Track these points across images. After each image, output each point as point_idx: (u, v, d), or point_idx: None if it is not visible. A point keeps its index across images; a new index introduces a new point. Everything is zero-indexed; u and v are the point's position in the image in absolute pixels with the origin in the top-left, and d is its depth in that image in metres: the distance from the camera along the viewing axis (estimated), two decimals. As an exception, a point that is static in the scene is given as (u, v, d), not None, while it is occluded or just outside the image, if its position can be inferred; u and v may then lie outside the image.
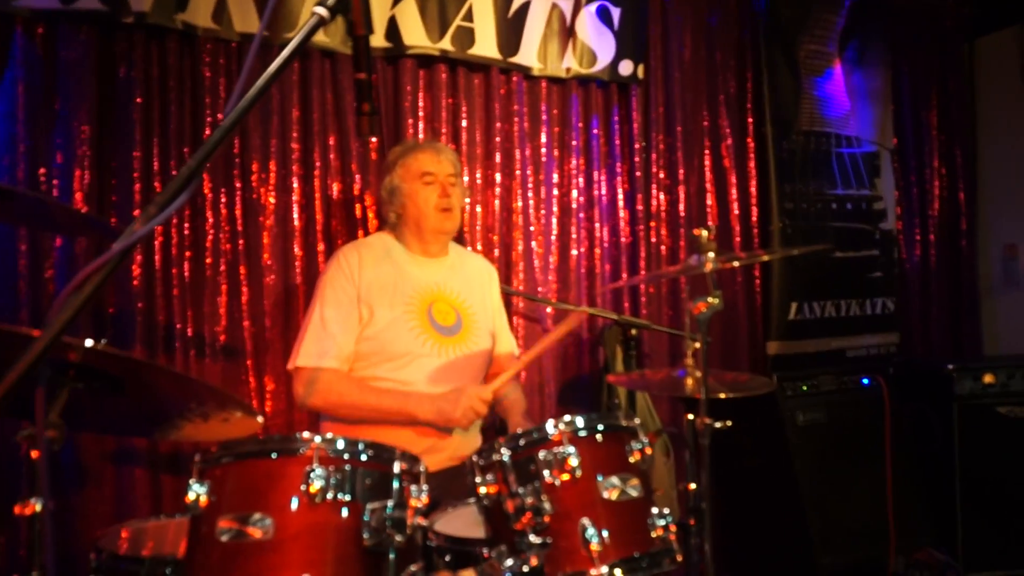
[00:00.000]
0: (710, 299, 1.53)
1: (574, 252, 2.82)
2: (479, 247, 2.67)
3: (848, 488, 2.68)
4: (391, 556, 1.11)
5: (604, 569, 1.17)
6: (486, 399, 1.88)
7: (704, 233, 1.54)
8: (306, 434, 1.17)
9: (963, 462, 2.96)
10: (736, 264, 1.56)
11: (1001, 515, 2.96)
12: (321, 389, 1.90)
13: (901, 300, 3.49)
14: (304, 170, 2.45)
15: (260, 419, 1.36)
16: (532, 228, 2.77)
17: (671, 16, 3.04)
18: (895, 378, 3.19)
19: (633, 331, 2.53)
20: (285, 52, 0.98)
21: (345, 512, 1.12)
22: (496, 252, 2.69)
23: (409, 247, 2.10)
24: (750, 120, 3.19)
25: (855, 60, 3.42)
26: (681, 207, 3.01)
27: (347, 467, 1.15)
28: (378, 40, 2.50)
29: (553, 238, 2.80)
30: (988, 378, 3.00)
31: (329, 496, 1.11)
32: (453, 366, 2.01)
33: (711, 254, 1.54)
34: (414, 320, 2.00)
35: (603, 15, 2.85)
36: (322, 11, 1.01)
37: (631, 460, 1.32)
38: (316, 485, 1.10)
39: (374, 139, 2.44)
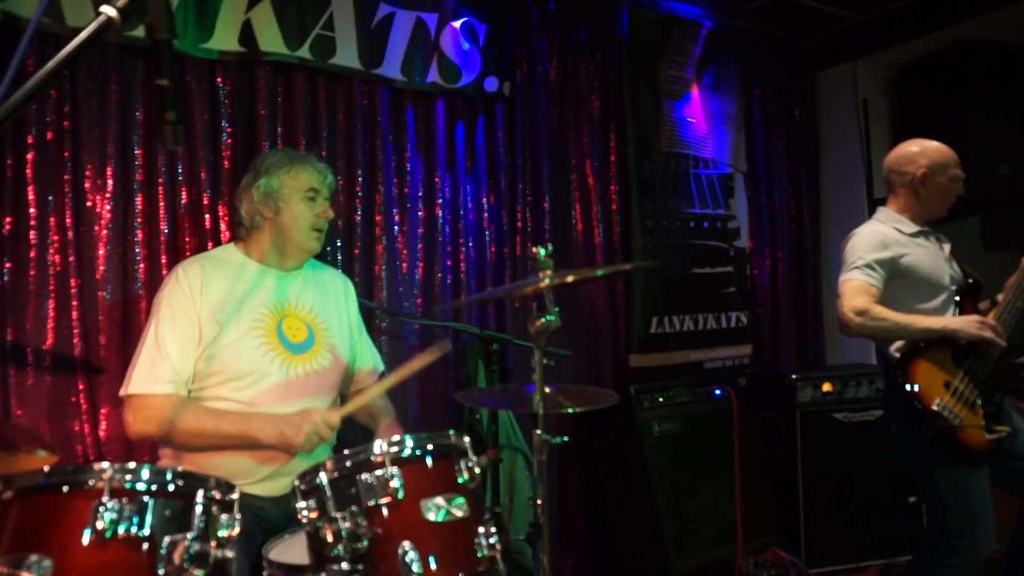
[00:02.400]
0: (547, 317, 1.55)
1: (439, 267, 2.81)
2: (340, 261, 2.61)
3: (700, 494, 2.81)
4: (190, 592, 1.04)
5: (423, 593, 1.15)
6: (332, 424, 1.81)
7: (541, 251, 1.56)
8: (102, 464, 1.08)
9: (805, 465, 3.17)
10: (570, 280, 1.58)
11: (839, 513, 3.18)
12: (154, 416, 1.76)
13: (753, 314, 3.71)
14: (147, 177, 2.31)
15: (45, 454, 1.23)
16: (396, 243, 2.74)
17: (537, 35, 3.10)
18: (747, 388, 3.39)
19: (495, 346, 2.54)
20: (62, 54, 0.91)
21: (138, 547, 1.04)
22: (357, 267, 2.64)
23: (264, 259, 2.01)
24: (613, 139, 3.30)
25: (711, 86, 3.62)
26: (546, 223, 3.07)
27: (144, 498, 1.07)
28: (231, 44, 2.41)
29: (418, 253, 2.78)
30: (827, 387, 3.23)
31: (121, 531, 1.03)
32: (303, 384, 1.93)
33: (548, 271, 1.56)
34: (262, 337, 1.91)
35: (468, 32, 2.87)
36: (110, 11, 0.95)
37: (459, 480, 1.31)
38: (105, 520, 1.02)
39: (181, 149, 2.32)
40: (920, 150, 2.38)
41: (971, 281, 2.37)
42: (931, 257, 2.33)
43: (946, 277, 2.33)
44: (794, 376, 3.23)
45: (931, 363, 2.19)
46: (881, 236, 2.30)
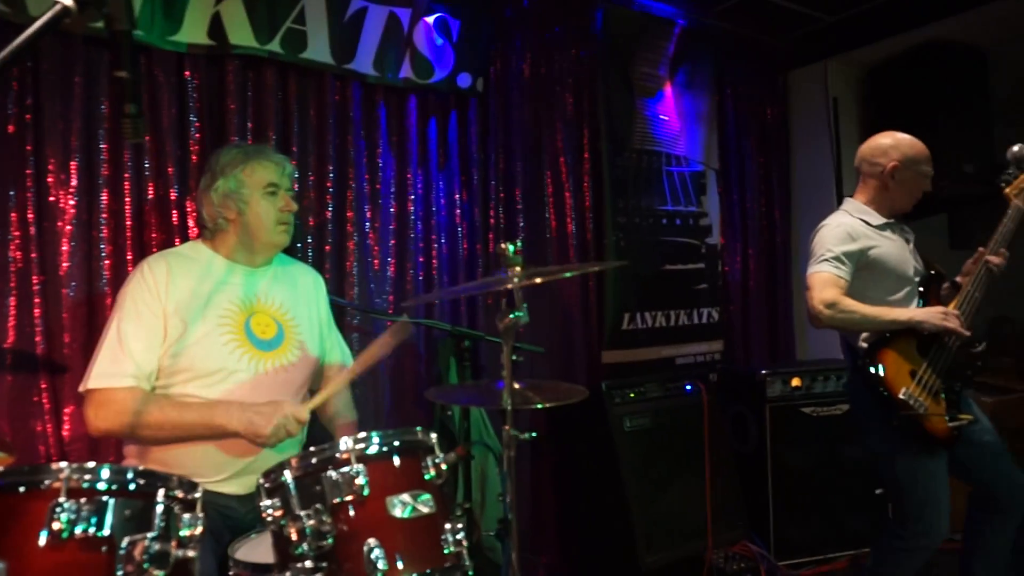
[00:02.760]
0: (516, 313, 1.55)
1: (411, 264, 2.80)
2: (311, 257, 2.59)
3: (671, 489, 2.83)
4: (150, 592, 1.03)
5: (388, 589, 1.15)
6: (301, 419, 1.80)
7: (510, 248, 1.56)
8: (59, 464, 1.07)
9: (774, 460, 3.22)
10: (538, 281, 1.58)
11: (806, 506, 3.24)
12: (116, 411, 1.73)
13: (725, 310, 3.75)
14: (113, 172, 2.27)
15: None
16: (368, 239, 2.72)
17: (511, 32, 3.10)
18: (717, 383, 3.43)
19: (466, 343, 2.54)
20: (14, 44, 0.89)
21: (96, 549, 1.03)
22: (328, 263, 2.62)
23: (232, 256, 1.98)
24: (586, 136, 3.31)
25: (684, 84, 3.64)
26: (519, 219, 3.07)
27: (103, 498, 1.05)
28: (200, 37, 2.37)
29: (389, 249, 2.77)
30: (796, 381, 3.28)
31: (78, 531, 1.02)
32: (272, 381, 1.92)
33: (517, 268, 1.56)
34: (229, 334, 1.89)
35: (442, 27, 2.86)
36: (66, 0, 0.93)
37: (426, 476, 1.31)
38: (62, 520, 1.00)
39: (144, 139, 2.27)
40: (893, 143, 2.41)
41: (933, 272, 2.43)
42: (897, 249, 2.37)
43: (911, 269, 2.38)
44: (764, 371, 3.27)
45: (897, 353, 2.24)
46: (849, 228, 2.33)
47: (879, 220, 2.40)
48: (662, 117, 3.54)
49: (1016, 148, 2.36)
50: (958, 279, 2.44)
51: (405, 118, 2.83)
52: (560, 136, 3.21)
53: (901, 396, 2.18)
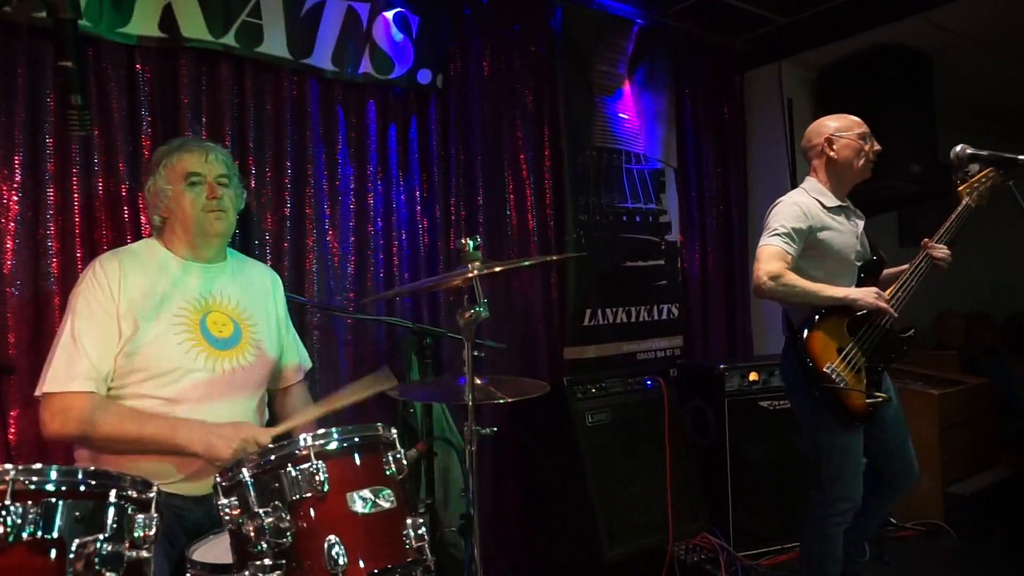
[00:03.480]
0: (476, 308, 1.55)
1: (371, 261, 2.78)
2: (268, 255, 2.55)
3: (632, 483, 2.86)
4: (102, 595, 1.00)
5: (349, 586, 1.14)
6: (262, 443, 1.75)
7: (470, 243, 1.56)
8: (4, 466, 1.03)
9: (732, 452, 3.28)
10: (498, 270, 1.59)
11: (764, 498, 3.30)
12: (74, 418, 1.68)
13: (684, 306, 3.81)
14: (60, 167, 2.20)
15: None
16: (327, 236, 2.69)
17: (471, 29, 3.09)
18: (677, 378, 3.47)
19: (428, 340, 2.53)
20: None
21: (45, 552, 0.99)
22: (287, 261, 2.58)
23: (179, 253, 1.94)
24: (547, 133, 3.32)
25: (643, 83, 3.69)
26: (480, 216, 3.07)
27: (51, 500, 1.02)
28: (151, 29, 2.32)
29: (349, 246, 2.74)
30: (753, 376, 3.35)
31: (25, 535, 0.98)
32: (229, 381, 1.88)
33: (476, 263, 1.56)
34: (185, 333, 1.85)
35: (401, 23, 2.84)
36: (-3, -12, 0.90)
37: (387, 472, 1.30)
38: (8, 524, 0.97)
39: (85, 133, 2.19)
40: (822, 121, 2.58)
41: (876, 258, 2.56)
42: (843, 234, 2.48)
43: (853, 254, 2.49)
44: (722, 366, 3.33)
45: (828, 329, 2.38)
46: (803, 207, 2.43)
47: (833, 202, 2.50)
48: (621, 115, 3.57)
49: (958, 148, 2.45)
50: (904, 267, 2.55)
51: (364, 115, 2.80)
52: (521, 133, 3.22)
53: (825, 370, 2.31)
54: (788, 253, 2.37)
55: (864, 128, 2.54)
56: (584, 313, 3.36)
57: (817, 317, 2.38)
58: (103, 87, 2.26)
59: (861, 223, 2.59)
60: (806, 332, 2.36)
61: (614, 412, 2.91)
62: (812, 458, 2.46)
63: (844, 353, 2.35)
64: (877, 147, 2.55)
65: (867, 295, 2.36)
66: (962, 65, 4.29)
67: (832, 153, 2.50)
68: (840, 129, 2.51)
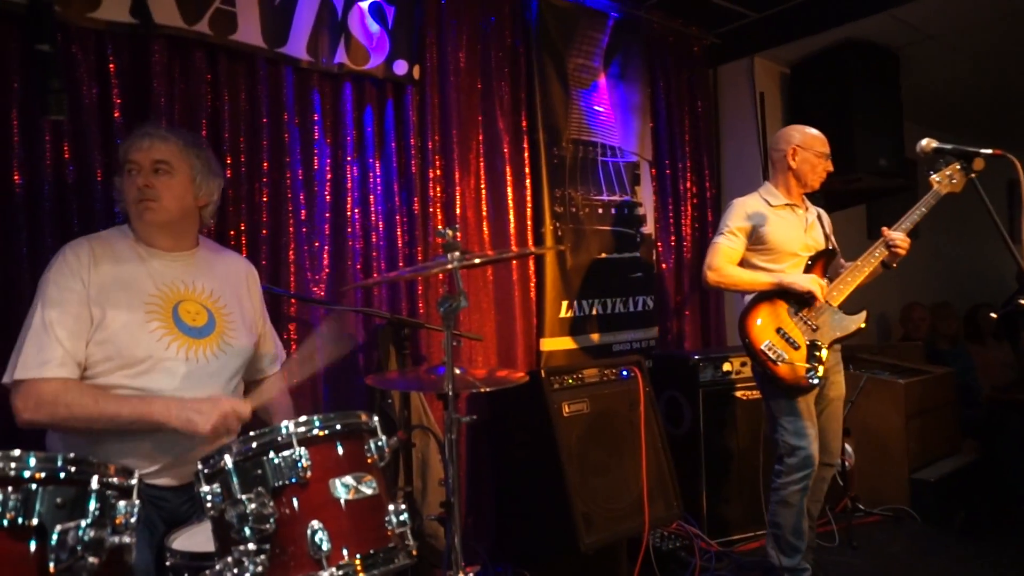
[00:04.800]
0: (456, 298, 1.56)
1: (348, 251, 2.77)
2: (245, 245, 2.53)
3: (608, 472, 2.89)
4: (84, 580, 0.99)
5: (332, 570, 1.15)
6: (243, 415, 1.76)
7: (448, 232, 1.57)
8: (-17, 453, 1.02)
9: (707, 442, 3.33)
10: (477, 262, 1.60)
11: (738, 486, 3.36)
12: (47, 402, 1.65)
13: (659, 298, 3.85)
14: (29, 152, 2.15)
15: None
16: (304, 227, 2.68)
17: (447, 19, 3.09)
18: (652, 369, 3.51)
19: (405, 330, 2.53)
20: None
21: (25, 538, 0.99)
22: (263, 251, 2.56)
23: (145, 241, 1.91)
24: (524, 125, 3.33)
25: (618, 76, 3.71)
26: (457, 207, 3.07)
27: (31, 486, 1.01)
28: (122, 15, 2.27)
29: (325, 237, 2.73)
30: (727, 366, 3.41)
31: (5, 522, 0.97)
32: (203, 370, 1.86)
33: (456, 253, 1.57)
34: (157, 321, 1.83)
35: (377, 13, 2.82)
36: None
37: (368, 459, 1.30)
38: (-13, 510, 0.96)
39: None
40: (792, 130, 2.87)
41: (828, 248, 2.82)
42: (787, 228, 2.79)
43: (798, 245, 2.78)
44: (696, 357, 3.38)
45: (766, 312, 2.67)
46: (747, 207, 2.80)
47: (779, 200, 2.84)
48: (596, 108, 3.60)
49: (924, 143, 2.52)
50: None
51: (340, 104, 2.79)
52: (498, 124, 3.22)
53: (762, 347, 2.61)
54: (732, 248, 2.75)
55: (826, 148, 2.83)
56: (560, 305, 3.38)
57: (753, 301, 2.70)
58: (72, 74, 2.21)
59: (811, 216, 2.86)
60: (746, 315, 2.67)
61: (591, 402, 2.94)
62: (770, 430, 2.76)
63: (783, 332, 2.64)
64: (831, 168, 2.85)
65: (801, 279, 2.65)
66: (927, 62, 4.39)
67: (792, 163, 2.80)
68: (805, 144, 2.80)
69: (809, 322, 2.66)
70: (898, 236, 2.62)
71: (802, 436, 2.64)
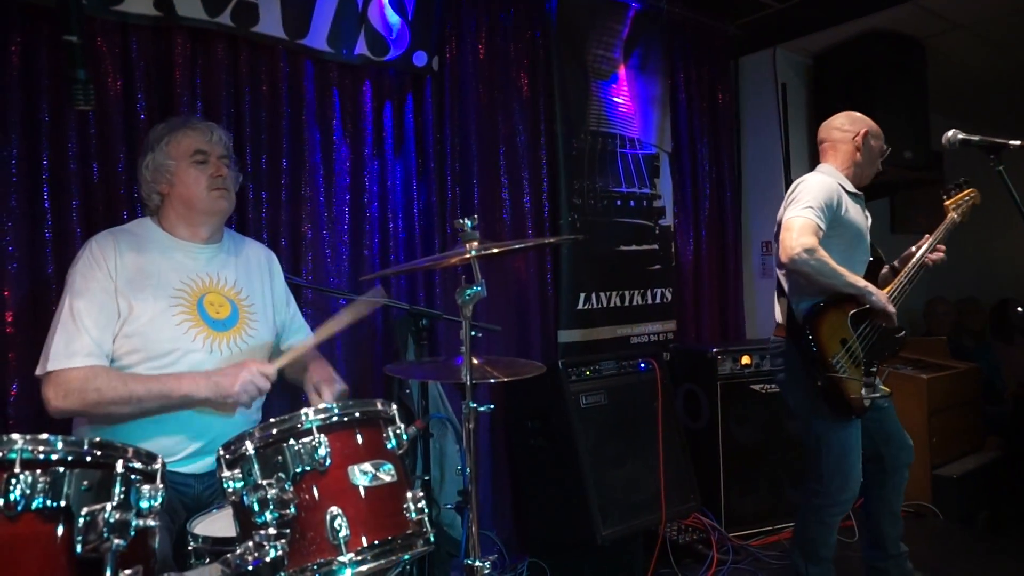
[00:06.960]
0: (474, 287, 1.57)
1: (367, 242, 2.79)
2: (265, 236, 2.55)
3: (625, 464, 2.90)
4: (110, 561, 1.02)
5: (351, 556, 1.17)
6: (269, 375, 1.79)
7: (467, 222, 1.58)
8: (12, 436, 1.04)
9: (724, 435, 3.32)
10: (495, 251, 1.60)
11: (755, 480, 3.35)
12: (76, 389, 1.68)
13: (677, 291, 3.84)
14: (55, 144, 2.19)
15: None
16: (323, 217, 2.70)
17: (466, 12, 3.09)
18: (670, 362, 3.51)
19: (424, 321, 2.54)
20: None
21: (53, 520, 1.01)
22: (283, 242, 2.59)
23: (176, 232, 1.94)
24: (542, 117, 3.32)
25: (638, 67, 3.69)
26: (475, 199, 3.08)
27: (59, 469, 1.04)
28: (146, 8, 2.30)
29: (345, 227, 2.75)
30: (745, 360, 3.39)
31: (34, 504, 1.00)
32: (228, 362, 1.88)
33: (474, 243, 1.58)
34: (182, 314, 1.86)
35: (397, 4, 2.83)
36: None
37: (387, 446, 1.32)
38: (17, 493, 0.98)
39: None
40: (859, 116, 2.61)
41: (873, 258, 2.58)
42: (862, 221, 2.50)
43: (867, 242, 2.51)
44: (715, 350, 3.37)
45: (832, 320, 2.36)
46: (832, 186, 2.41)
47: (852, 188, 2.52)
48: (616, 99, 3.58)
49: (950, 134, 2.47)
50: (895, 263, 2.62)
51: (360, 96, 2.80)
52: (516, 117, 3.22)
53: (831, 359, 2.31)
54: (820, 228, 2.32)
55: (883, 140, 2.61)
56: (578, 297, 3.38)
57: (823, 305, 2.36)
58: (98, 66, 2.24)
59: (869, 219, 2.60)
60: (813, 322, 2.34)
61: (608, 394, 2.94)
62: (811, 449, 2.45)
63: (848, 345, 2.35)
64: (880, 168, 2.62)
65: (882, 295, 2.37)
66: (953, 52, 4.31)
67: (861, 148, 2.52)
68: (873, 130, 2.55)
69: (868, 338, 2.38)
70: (938, 255, 2.53)
71: (849, 459, 2.38)
